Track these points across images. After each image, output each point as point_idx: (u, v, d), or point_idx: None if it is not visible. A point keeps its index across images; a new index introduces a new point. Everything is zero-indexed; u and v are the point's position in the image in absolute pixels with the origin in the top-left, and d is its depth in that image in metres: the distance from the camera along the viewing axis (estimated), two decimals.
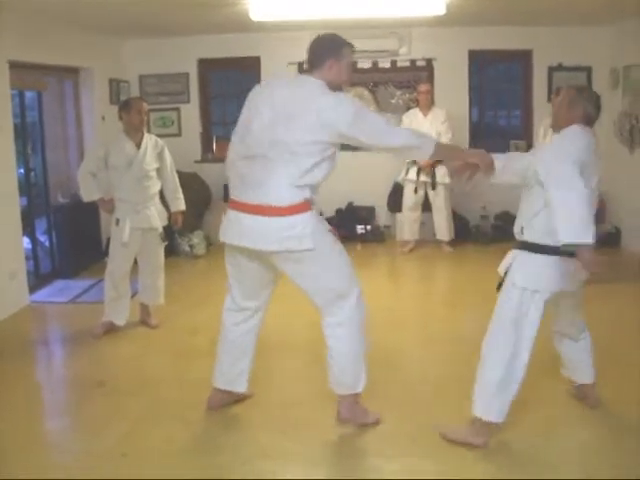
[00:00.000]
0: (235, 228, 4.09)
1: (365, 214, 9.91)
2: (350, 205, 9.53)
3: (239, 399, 4.67)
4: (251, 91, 4.20)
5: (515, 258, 4.02)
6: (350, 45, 4.10)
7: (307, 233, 3.94)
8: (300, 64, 8.82)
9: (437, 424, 4.20)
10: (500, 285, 4.11)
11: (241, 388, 4.56)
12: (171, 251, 8.12)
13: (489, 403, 4.00)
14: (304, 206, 3.95)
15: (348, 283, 4.15)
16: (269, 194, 3.93)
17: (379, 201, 9.78)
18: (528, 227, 3.97)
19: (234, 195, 4.11)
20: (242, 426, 4.41)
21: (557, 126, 4.11)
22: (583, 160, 3.71)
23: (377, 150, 4.19)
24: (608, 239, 9.04)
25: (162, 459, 3.99)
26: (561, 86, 4.49)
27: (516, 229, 4.09)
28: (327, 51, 4.04)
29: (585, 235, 3.49)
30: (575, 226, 3.51)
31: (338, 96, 3.96)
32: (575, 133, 3.90)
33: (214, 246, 9.33)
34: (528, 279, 3.96)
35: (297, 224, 3.93)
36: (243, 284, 4.35)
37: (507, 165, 4.18)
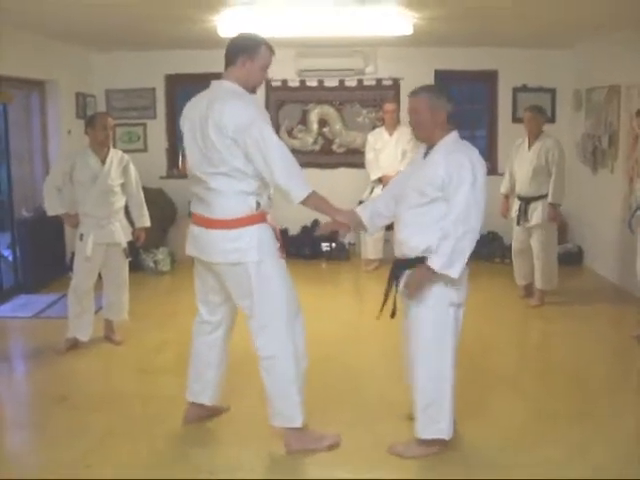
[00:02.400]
0: (190, 239, 4.17)
1: (330, 232, 9.90)
2: (316, 222, 9.53)
3: (214, 413, 4.63)
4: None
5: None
6: (269, 47, 4.02)
7: (253, 246, 3.94)
8: (267, 81, 8.84)
9: (390, 445, 4.17)
10: (394, 311, 4.15)
11: (207, 400, 4.50)
12: (136, 267, 8.07)
13: (450, 423, 4.01)
14: (252, 218, 3.95)
15: (287, 311, 4.08)
16: (214, 209, 3.97)
17: None
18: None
19: (192, 208, 4.17)
20: (208, 441, 4.37)
21: (428, 139, 4.00)
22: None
23: (259, 168, 3.84)
24: (570, 258, 9.16)
25: (127, 471, 3.96)
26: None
27: (423, 246, 3.89)
28: (242, 48, 3.99)
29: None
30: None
31: (244, 101, 3.91)
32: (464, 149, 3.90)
33: (179, 262, 9.29)
34: (460, 294, 3.96)
35: (243, 237, 3.93)
36: (205, 296, 4.35)
37: (374, 212, 4.29)
